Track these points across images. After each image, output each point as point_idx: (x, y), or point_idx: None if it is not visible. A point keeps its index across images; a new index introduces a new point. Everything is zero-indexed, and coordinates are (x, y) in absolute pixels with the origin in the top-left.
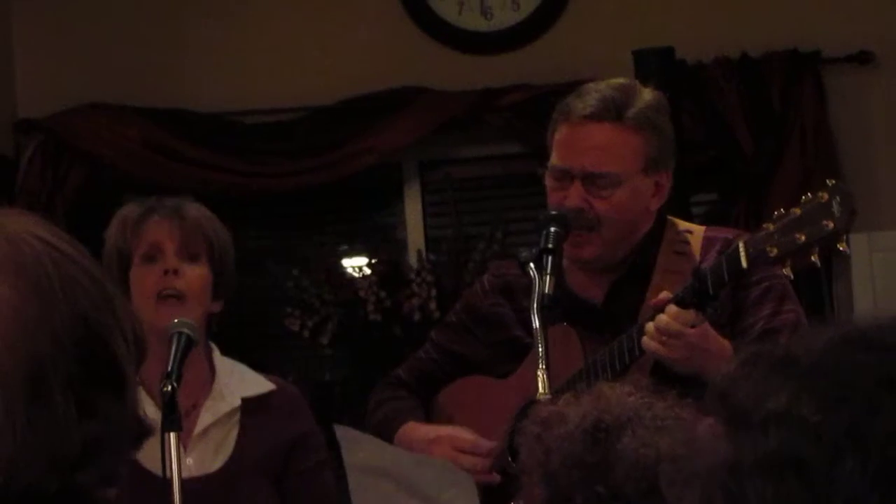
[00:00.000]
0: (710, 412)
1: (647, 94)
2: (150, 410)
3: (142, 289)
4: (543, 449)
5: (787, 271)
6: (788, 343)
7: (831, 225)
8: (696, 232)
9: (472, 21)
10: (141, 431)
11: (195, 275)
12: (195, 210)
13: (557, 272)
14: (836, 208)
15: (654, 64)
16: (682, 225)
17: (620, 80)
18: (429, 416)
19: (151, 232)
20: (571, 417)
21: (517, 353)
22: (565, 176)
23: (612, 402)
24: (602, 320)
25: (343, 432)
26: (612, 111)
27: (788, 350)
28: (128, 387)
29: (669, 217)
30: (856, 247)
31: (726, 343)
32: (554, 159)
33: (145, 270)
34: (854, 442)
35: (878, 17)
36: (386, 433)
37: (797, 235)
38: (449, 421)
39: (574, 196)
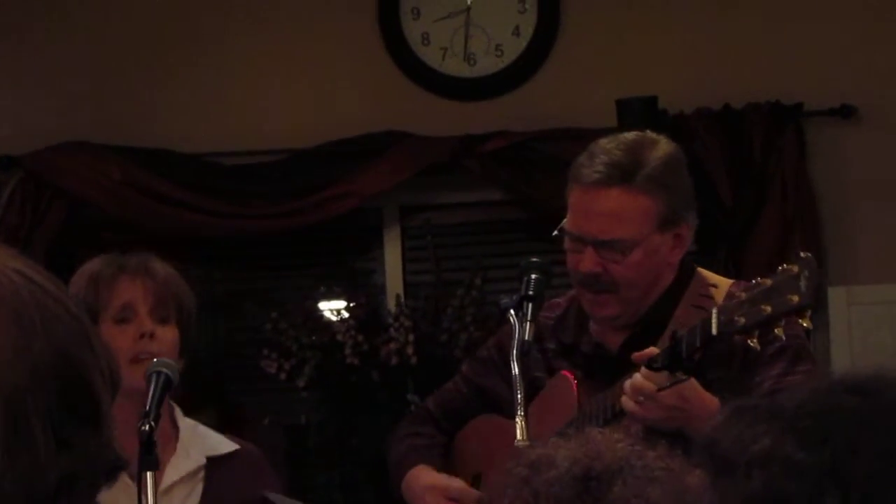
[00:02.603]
0: (697, 464)
1: (658, 151)
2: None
3: (116, 350)
4: (531, 492)
5: (778, 332)
6: (773, 397)
7: (796, 299)
8: (721, 286)
9: (455, 67)
10: (116, 465)
11: (168, 338)
12: (163, 269)
13: (582, 319)
14: (803, 283)
15: (637, 113)
16: (711, 278)
17: (632, 136)
18: (448, 453)
19: (124, 291)
20: (560, 462)
21: (533, 393)
22: (579, 241)
23: (603, 448)
24: (616, 369)
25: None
26: (619, 176)
27: (772, 401)
28: (104, 420)
29: (699, 269)
30: (834, 300)
31: (712, 401)
32: (567, 224)
33: (118, 332)
34: (835, 479)
35: (861, 71)
36: (398, 473)
37: (763, 307)
38: (463, 460)
39: (588, 262)
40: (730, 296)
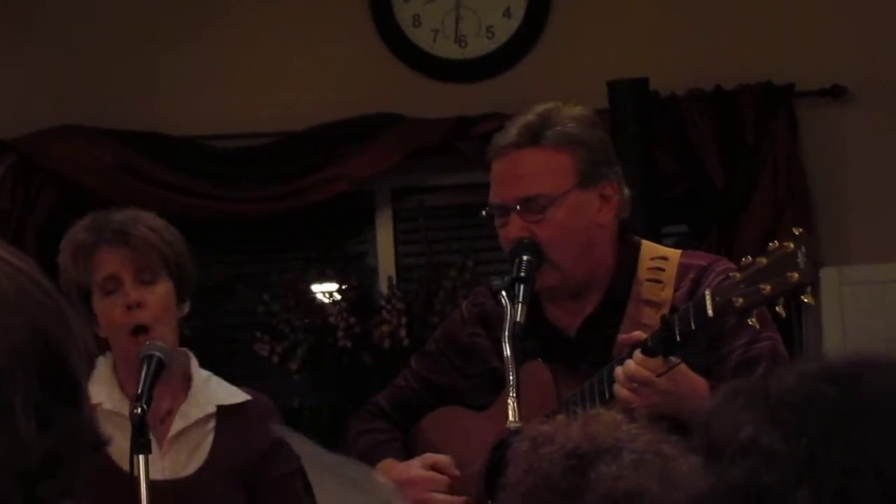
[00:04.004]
0: (694, 447)
1: (567, 112)
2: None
3: (110, 322)
4: (525, 467)
5: (780, 310)
6: (766, 378)
7: (796, 276)
8: (671, 258)
9: (446, 49)
10: (97, 443)
11: (157, 298)
12: (143, 228)
13: (534, 303)
14: (801, 259)
15: (629, 95)
16: (657, 250)
17: (543, 105)
18: (408, 446)
19: (105, 263)
20: (558, 439)
21: (495, 384)
22: (503, 211)
23: (600, 429)
24: (576, 352)
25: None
26: (529, 136)
27: (764, 384)
28: (84, 399)
29: (644, 241)
30: (826, 280)
31: (699, 381)
32: (490, 198)
33: (109, 304)
34: (810, 471)
35: (852, 52)
36: None
37: (762, 286)
38: (426, 452)
39: (513, 228)
40: (684, 267)
